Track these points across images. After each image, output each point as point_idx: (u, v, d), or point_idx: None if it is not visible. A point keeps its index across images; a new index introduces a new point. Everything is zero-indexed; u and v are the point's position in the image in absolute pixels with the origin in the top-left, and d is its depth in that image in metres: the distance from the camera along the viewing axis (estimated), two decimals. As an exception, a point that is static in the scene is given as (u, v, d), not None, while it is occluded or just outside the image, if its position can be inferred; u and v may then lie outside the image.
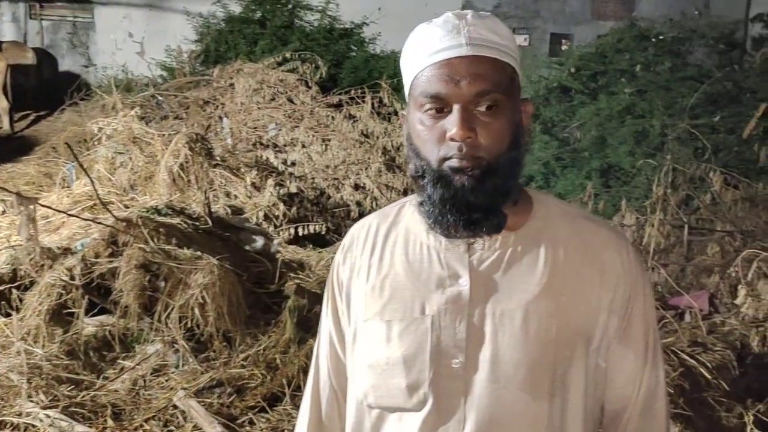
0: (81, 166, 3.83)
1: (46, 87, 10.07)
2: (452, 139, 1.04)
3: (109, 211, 3.64)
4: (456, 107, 1.04)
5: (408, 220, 1.18)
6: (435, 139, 1.06)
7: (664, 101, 7.11)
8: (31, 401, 2.95)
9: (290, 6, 10.23)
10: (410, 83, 1.12)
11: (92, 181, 3.74)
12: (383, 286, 1.14)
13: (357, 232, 1.23)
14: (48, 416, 2.87)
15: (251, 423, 3.02)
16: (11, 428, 2.85)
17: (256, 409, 3.10)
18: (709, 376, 2.83)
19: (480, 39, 1.07)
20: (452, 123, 1.04)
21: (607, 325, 1.12)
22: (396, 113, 7.16)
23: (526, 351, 1.07)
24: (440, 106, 1.06)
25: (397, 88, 7.56)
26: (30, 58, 9.92)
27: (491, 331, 1.08)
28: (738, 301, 2.96)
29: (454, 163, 1.05)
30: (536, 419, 1.08)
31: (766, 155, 4.46)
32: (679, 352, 2.95)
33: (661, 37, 8.98)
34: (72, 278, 3.43)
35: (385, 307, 1.13)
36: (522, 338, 1.08)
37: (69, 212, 3.92)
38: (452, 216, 1.07)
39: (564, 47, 11.22)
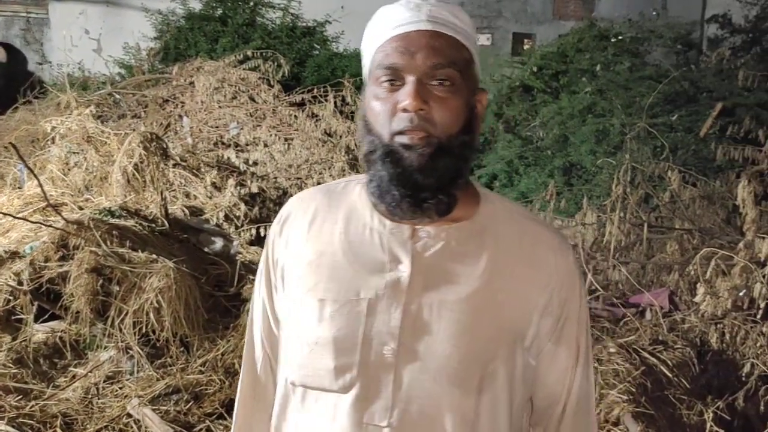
0: (27, 166, 3.69)
1: (15, 84, 9.72)
2: (405, 110, 1.02)
3: (59, 214, 3.51)
4: (410, 79, 1.03)
5: (353, 198, 1.14)
6: (388, 111, 1.04)
7: (624, 100, 7.22)
8: (-24, 413, 2.82)
9: (252, 3, 10.12)
10: (370, 60, 1.10)
11: (40, 183, 3.61)
12: (320, 263, 1.11)
13: (296, 204, 1.20)
14: (-6, 428, 2.75)
15: (209, 431, 2.94)
16: (-46, 442, 2.73)
17: (214, 416, 3.01)
18: (669, 374, 2.85)
19: (440, 18, 1.07)
20: (405, 94, 1.02)
21: (540, 326, 1.11)
22: (359, 112, 7.11)
23: (459, 345, 1.06)
24: (395, 79, 1.05)
25: (360, 87, 7.52)
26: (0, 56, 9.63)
27: (427, 322, 1.06)
28: (697, 299, 2.99)
29: (404, 139, 1.03)
30: (463, 413, 1.07)
31: (723, 154, 4.53)
32: (641, 350, 2.96)
33: (620, 37, 9.13)
34: (20, 283, 3.30)
35: (318, 284, 1.10)
36: (457, 332, 1.06)
37: (16, 215, 3.77)
38: (398, 191, 1.04)
39: (526, 47, 11.32)
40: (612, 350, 2.90)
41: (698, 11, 11.54)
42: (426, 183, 1.04)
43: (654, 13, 10.81)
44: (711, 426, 2.67)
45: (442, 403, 1.06)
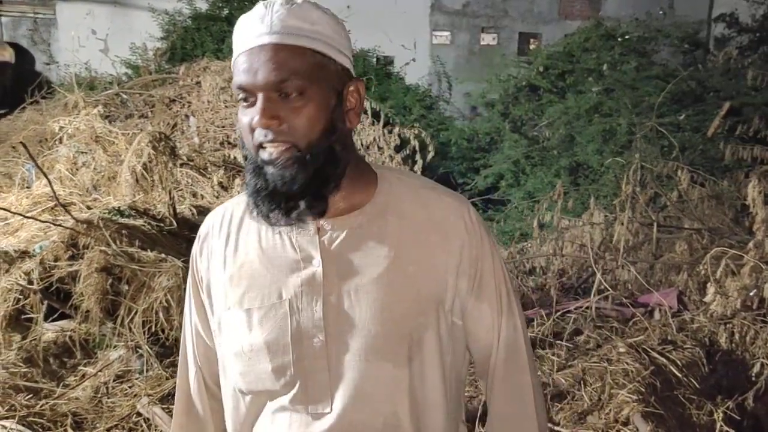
0: (38, 165, 3.70)
1: (22, 85, 9.77)
2: (257, 127, 1.06)
3: (69, 213, 3.52)
4: (259, 96, 1.06)
5: None
6: (248, 126, 1.08)
7: (631, 100, 7.19)
8: (-13, 412, 2.83)
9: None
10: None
11: (50, 182, 3.62)
12: (240, 275, 1.16)
13: (212, 221, 1.24)
14: (5, 427, 2.75)
15: (218, 429, 2.94)
16: (-35, 440, 2.74)
17: (224, 415, 3.02)
18: (679, 374, 2.84)
19: (282, 27, 1.07)
20: (256, 111, 1.06)
21: (458, 286, 1.17)
22: (365, 111, 7.11)
23: (381, 322, 1.12)
24: (248, 96, 1.08)
25: (366, 87, 7.51)
26: (8, 56, 9.66)
27: (347, 307, 1.12)
28: (707, 299, 2.98)
29: (265, 154, 1.07)
30: (398, 384, 1.14)
31: (732, 153, 4.51)
32: (650, 350, 2.96)
33: (627, 37, 9.10)
34: (30, 282, 3.30)
35: (243, 295, 1.16)
36: (377, 310, 1.12)
37: (26, 214, 3.78)
38: (266, 206, 1.10)
39: (532, 46, 11.30)
40: (621, 350, 2.89)
41: (705, 10, 11.50)
42: (291, 193, 1.08)
43: (661, 12, 10.78)
44: (721, 426, 2.67)
45: (377, 379, 1.13)
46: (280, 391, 1.14)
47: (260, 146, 1.07)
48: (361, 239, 1.14)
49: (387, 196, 1.17)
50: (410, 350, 1.13)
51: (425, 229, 1.16)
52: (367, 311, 1.12)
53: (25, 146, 3.47)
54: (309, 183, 1.08)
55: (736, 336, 3.12)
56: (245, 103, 1.08)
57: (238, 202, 1.23)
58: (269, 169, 1.07)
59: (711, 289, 2.93)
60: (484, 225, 1.22)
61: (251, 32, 1.08)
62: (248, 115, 1.07)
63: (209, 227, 1.23)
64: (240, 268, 1.17)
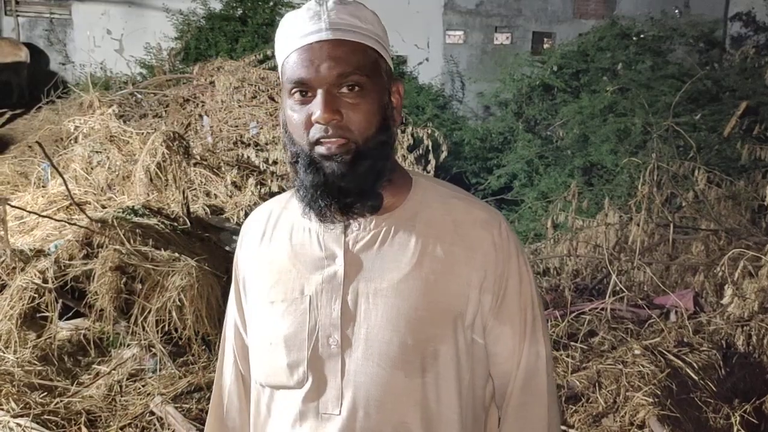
0: (53, 165, 3.72)
1: (37, 84, 9.88)
2: (318, 122, 1.06)
3: (84, 212, 3.54)
4: (319, 91, 1.06)
5: (296, 205, 1.19)
6: (303, 122, 1.08)
7: (646, 99, 7.13)
8: (1, 409, 2.85)
9: (271, 3, 10.14)
10: (281, 71, 1.14)
11: (65, 181, 3.64)
12: (270, 270, 1.18)
13: (252, 220, 1.27)
14: (19, 425, 2.77)
15: (231, 429, 2.95)
16: (-19, 437, 2.76)
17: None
18: (695, 377, 2.81)
19: (339, 23, 1.08)
20: (316, 106, 1.06)
21: (480, 302, 1.14)
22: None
23: (396, 329, 1.10)
24: (305, 91, 1.08)
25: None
26: (23, 56, 9.75)
27: (364, 310, 1.11)
28: (725, 301, 2.94)
29: (323, 149, 1.07)
30: (410, 395, 1.11)
31: (749, 153, 4.46)
32: (666, 353, 2.93)
33: (642, 36, 9.02)
34: (45, 281, 3.33)
35: (270, 289, 1.17)
36: (393, 316, 1.10)
37: (42, 213, 3.81)
38: (323, 201, 1.09)
39: (546, 45, 11.25)
40: (637, 352, 2.86)
41: (721, 9, 11.39)
42: (349, 188, 1.08)
43: (676, 11, 10.68)
44: (738, 429, 2.63)
45: (388, 387, 1.10)
46: (293, 387, 1.14)
47: (317, 142, 1.07)
48: (385, 243, 1.13)
49: (418, 202, 1.16)
50: (424, 361, 1.11)
51: (450, 240, 1.13)
52: (382, 316, 1.10)
53: (40, 145, 3.49)
54: (365, 178, 1.08)
55: (754, 338, 3.08)
56: (300, 98, 1.08)
57: (278, 200, 1.25)
58: (327, 164, 1.07)
59: (728, 290, 2.89)
60: (516, 244, 1.18)
61: (304, 29, 1.09)
62: (303, 112, 1.08)
63: (248, 226, 1.26)
64: (270, 263, 1.18)
